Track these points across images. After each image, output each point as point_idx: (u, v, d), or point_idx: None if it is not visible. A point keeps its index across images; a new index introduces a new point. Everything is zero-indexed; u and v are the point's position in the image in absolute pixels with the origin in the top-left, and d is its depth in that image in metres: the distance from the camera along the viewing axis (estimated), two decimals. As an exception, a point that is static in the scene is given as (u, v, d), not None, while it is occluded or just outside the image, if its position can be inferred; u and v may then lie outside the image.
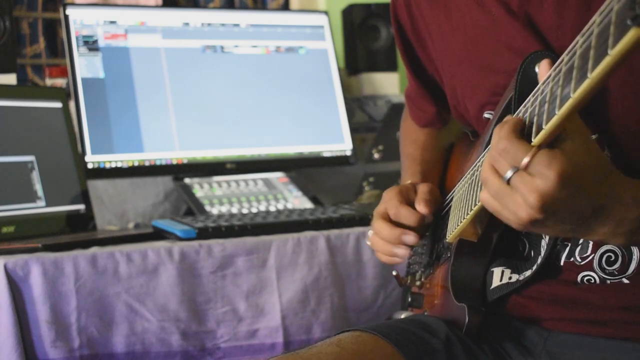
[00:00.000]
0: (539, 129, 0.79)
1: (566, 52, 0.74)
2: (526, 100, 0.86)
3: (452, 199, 1.16)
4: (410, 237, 1.15)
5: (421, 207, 1.15)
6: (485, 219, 1.06)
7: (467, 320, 1.05)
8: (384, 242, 1.17)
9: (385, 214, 1.18)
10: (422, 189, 1.20)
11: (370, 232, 1.21)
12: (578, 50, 0.71)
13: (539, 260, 1.03)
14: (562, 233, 0.88)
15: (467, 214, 1.01)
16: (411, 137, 1.38)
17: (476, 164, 1.02)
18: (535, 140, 0.80)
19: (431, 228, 1.21)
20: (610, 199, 0.83)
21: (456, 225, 1.07)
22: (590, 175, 0.81)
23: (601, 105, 0.93)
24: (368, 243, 1.22)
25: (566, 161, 0.79)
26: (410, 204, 1.17)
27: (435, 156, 1.32)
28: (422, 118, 1.36)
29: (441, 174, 1.30)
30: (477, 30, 1.08)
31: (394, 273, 1.26)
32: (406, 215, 1.15)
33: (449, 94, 1.18)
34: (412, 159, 1.33)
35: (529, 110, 0.83)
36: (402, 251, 1.16)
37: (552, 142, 0.80)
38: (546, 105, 0.78)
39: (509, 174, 0.81)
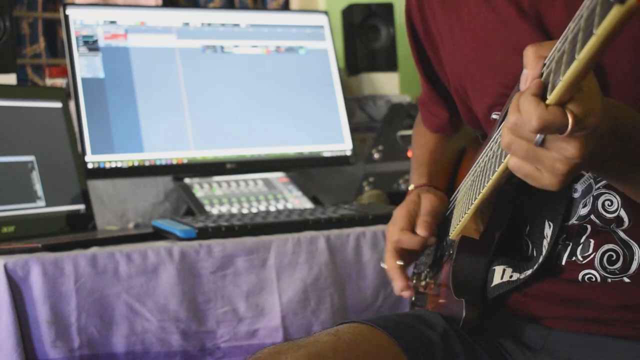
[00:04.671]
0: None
1: (560, 39, 0.74)
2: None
3: (456, 197, 1.16)
4: (398, 285, 1.22)
5: (421, 231, 1.20)
6: (487, 215, 1.06)
7: (464, 314, 1.06)
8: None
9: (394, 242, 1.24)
10: (424, 208, 1.22)
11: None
12: (569, 35, 0.71)
13: (540, 260, 1.03)
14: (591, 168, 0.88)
15: (469, 208, 1.02)
16: (421, 141, 1.39)
17: (479, 161, 1.03)
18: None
19: (438, 228, 1.22)
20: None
21: (458, 221, 1.07)
22: (601, 101, 0.78)
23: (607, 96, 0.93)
24: (383, 265, 1.27)
25: (599, 113, 0.76)
26: (413, 225, 1.21)
27: (444, 159, 1.33)
28: (434, 123, 1.36)
29: (451, 177, 1.30)
30: (486, 32, 1.08)
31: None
32: (407, 242, 1.20)
33: (460, 97, 1.19)
34: (420, 162, 1.34)
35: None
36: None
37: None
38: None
39: (539, 136, 0.78)
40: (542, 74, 0.77)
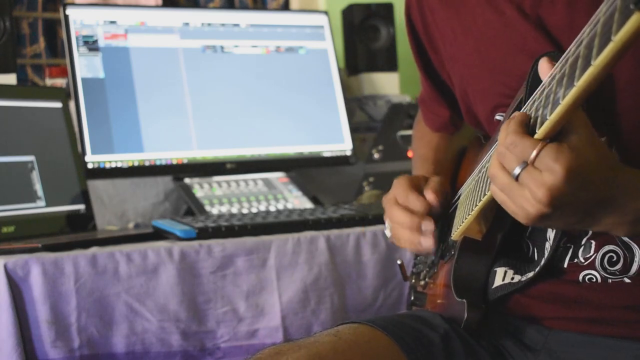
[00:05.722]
0: (544, 120, 0.79)
1: (573, 43, 0.74)
2: (532, 96, 0.86)
3: (459, 197, 1.16)
4: (429, 224, 1.11)
5: (429, 195, 1.13)
6: (490, 217, 1.06)
7: (465, 315, 1.06)
8: (409, 231, 1.13)
9: (396, 200, 1.16)
10: (434, 179, 1.18)
11: (387, 224, 1.18)
12: (585, 39, 0.71)
13: (542, 262, 1.03)
14: (567, 226, 0.90)
15: (472, 210, 1.02)
16: (425, 139, 1.38)
17: (483, 162, 1.03)
18: (540, 131, 0.80)
19: (438, 227, 1.21)
20: (615, 190, 0.84)
21: (461, 222, 1.07)
22: (596, 168, 0.81)
23: (610, 101, 0.93)
24: (388, 234, 1.19)
25: (573, 155, 0.79)
26: (420, 191, 1.15)
27: (447, 158, 1.32)
28: (436, 122, 1.35)
29: (452, 176, 1.30)
30: (489, 33, 1.08)
31: (399, 262, 1.26)
32: (414, 202, 1.13)
33: (461, 98, 1.18)
34: (425, 159, 1.33)
35: (535, 104, 0.84)
36: (429, 242, 1.11)
37: (557, 136, 0.81)
38: (551, 97, 0.78)
39: (517, 170, 0.82)
40: (554, 76, 0.78)
